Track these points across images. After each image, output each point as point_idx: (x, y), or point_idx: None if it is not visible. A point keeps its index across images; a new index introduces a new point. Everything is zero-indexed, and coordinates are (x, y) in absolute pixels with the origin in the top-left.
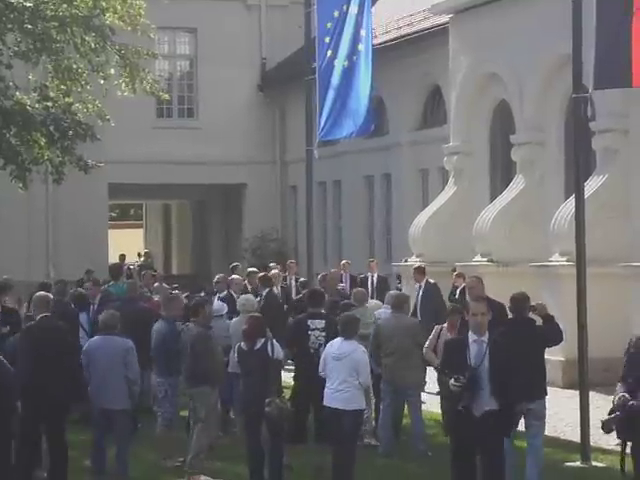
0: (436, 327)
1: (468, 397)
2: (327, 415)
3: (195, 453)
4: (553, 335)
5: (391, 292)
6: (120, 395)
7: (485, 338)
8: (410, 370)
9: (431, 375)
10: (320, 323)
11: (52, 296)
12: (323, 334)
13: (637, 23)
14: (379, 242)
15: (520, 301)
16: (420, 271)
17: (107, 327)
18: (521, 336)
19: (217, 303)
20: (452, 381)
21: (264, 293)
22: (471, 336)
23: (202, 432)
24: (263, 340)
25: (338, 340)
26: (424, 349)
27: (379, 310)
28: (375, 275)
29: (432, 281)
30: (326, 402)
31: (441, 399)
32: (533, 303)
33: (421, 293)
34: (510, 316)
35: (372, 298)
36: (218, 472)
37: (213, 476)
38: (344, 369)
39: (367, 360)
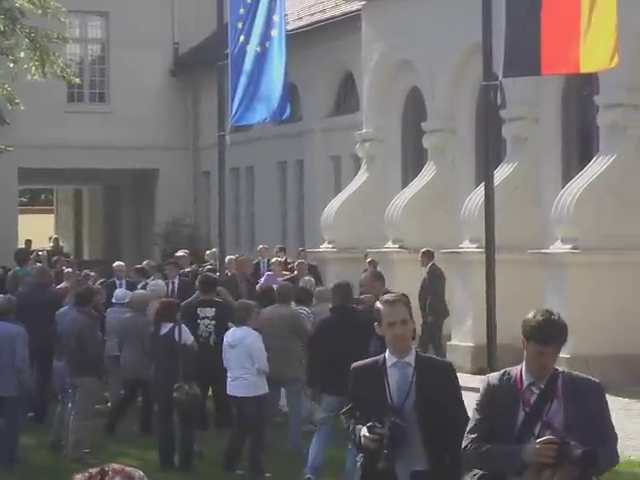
0: None
1: (390, 454)
2: (232, 404)
3: (75, 444)
4: None
5: (282, 284)
6: (7, 382)
7: (411, 359)
8: (284, 364)
9: None
10: (210, 311)
11: None
12: (213, 322)
13: (547, 11)
14: (291, 228)
15: (344, 289)
16: (428, 255)
17: (1, 312)
18: (343, 326)
19: (121, 290)
20: (364, 431)
21: (175, 281)
22: (389, 357)
23: (80, 422)
24: (170, 325)
25: (232, 328)
26: None
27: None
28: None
29: (436, 265)
30: (228, 391)
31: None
32: (362, 297)
33: (425, 277)
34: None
35: None
36: (129, 458)
37: (123, 463)
38: (240, 356)
39: (261, 346)
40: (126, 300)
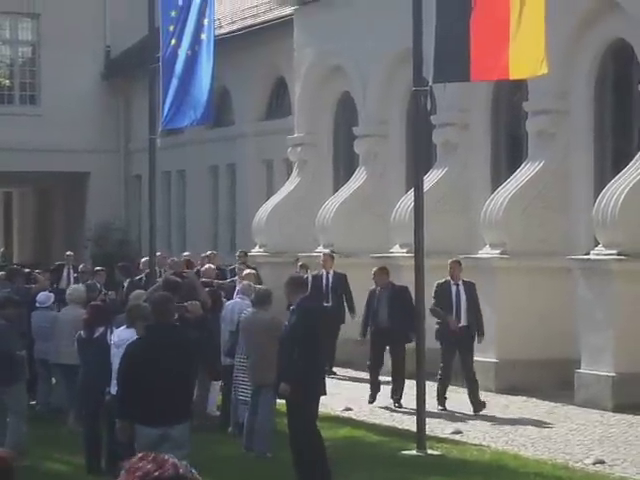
0: None
1: None
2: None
3: (14, 446)
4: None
5: (258, 287)
6: None
7: None
8: (270, 369)
9: None
10: None
11: None
12: None
13: (476, 18)
14: (223, 232)
15: (162, 304)
16: (384, 272)
17: None
18: (163, 345)
19: (43, 294)
20: None
21: (125, 283)
22: None
23: (19, 425)
24: (103, 329)
25: (121, 328)
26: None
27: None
28: (331, 272)
29: (401, 285)
30: (111, 389)
31: None
32: (186, 303)
33: (389, 297)
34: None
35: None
36: (56, 463)
37: (51, 466)
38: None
39: None
40: (48, 304)
